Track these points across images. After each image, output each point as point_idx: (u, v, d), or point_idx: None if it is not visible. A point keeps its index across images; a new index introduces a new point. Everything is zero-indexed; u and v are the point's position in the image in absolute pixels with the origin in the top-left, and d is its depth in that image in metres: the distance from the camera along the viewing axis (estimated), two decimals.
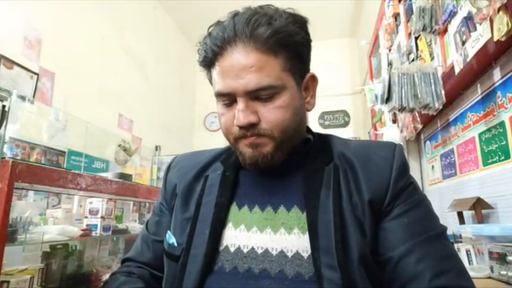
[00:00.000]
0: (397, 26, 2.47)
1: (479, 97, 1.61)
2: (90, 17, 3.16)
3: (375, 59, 3.48)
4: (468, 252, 1.33)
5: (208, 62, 0.63)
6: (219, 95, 0.61)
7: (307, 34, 0.63)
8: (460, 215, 1.68)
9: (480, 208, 1.51)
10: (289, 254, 0.58)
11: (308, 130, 0.71)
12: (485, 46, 1.26)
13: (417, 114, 2.03)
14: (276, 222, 0.61)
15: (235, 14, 0.60)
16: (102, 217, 1.68)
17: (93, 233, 1.65)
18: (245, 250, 0.60)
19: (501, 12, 1.09)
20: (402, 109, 1.74)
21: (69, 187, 1.29)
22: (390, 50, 2.60)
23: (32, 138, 2.33)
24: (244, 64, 0.57)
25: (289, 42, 0.59)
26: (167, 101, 4.56)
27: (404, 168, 0.62)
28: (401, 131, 2.31)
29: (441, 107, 1.67)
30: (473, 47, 1.33)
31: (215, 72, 0.62)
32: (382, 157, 0.63)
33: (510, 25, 1.05)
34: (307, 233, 0.58)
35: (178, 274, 0.61)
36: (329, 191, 0.59)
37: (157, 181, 3.00)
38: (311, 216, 0.58)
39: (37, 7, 2.59)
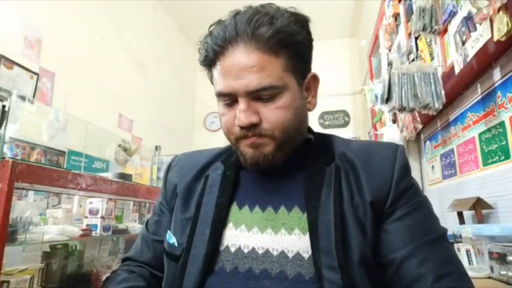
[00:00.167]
0: (397, 26, 2.47)
1: (479, 97, 1.61)
2: (90, 17, 3.16)
3: (375, 59, 3.48)
4: (468, 252, 1.33)
5: (209, 62, 0.62)
6: (220, 95, 0.61)
7: (308, 33, 0.63)
8: (460, 215, 1.68)
9: (480, 208, 1.51)
10: (290, 255, 0.58)
11: (309, 130, 0.71)
12: (485, 46, 1.26)
13: (417, 114, 2.03)
14: (276, 223, 0.61)
15: (237, 13, 0.60)
16: (102, 217, 1.68)
17: (93, 233, 1.65)
18: (245, 250, 0.60)
19: (501, 12, 1.09)
20: (402, 109, 1.74)
21: (69, 187, 1.29)
22: (390, 50, 2.60)
23: (32, 138, 2.33)
24: (245, 64, 0.57)
25: (290, 42, 0.59)
26: (167, 101, 4.57)
27: (406, 169, 0.62)
28: (401, 131, 2.31)
29: (441, 107, 1.67)
30: (473, 47, 1.33)
31: (216, 71, 0.61)
32: (384, 158, 0.63)
33: (510, 25, 1.05)
34: (307, 233, 0.57)
35: (178, 274, 0.61)
36: (330, 191, 0.59)
37: (157, 181, 3.00)
38: (311, 216, 0.58)
39: (37, 7, 2.59)
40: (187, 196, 0.69)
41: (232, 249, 0.61)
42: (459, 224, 1.66)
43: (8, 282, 1.21)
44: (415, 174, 2.47)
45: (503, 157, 1.42)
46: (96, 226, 1.66)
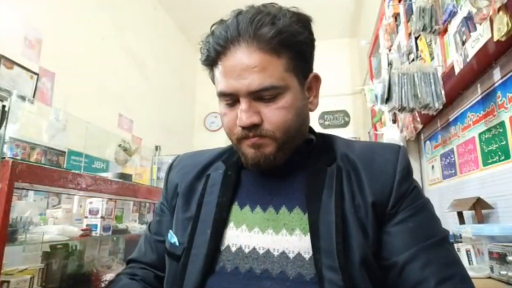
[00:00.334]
0: (397, 26, 2.48)
1: (479, 97, 1.61)
2: (90, 17, 3.16)
3: (375, 59, 3.48)
4: (468, 252, 1.33)
5: (211, 61, 0.62)
6: (222, 95, 0.61)
7: (310, 33, 0.63)
8: (460, 215, 1.68)
9: (480, 208, 1.51)
10: (291, 255, 0.58)
11: (311, 130, 0.71)
12: (485, 46, 1.26)
13: (417, 114, 2.03)
14: (277, 223, 0.61)
15: (239, 13, 0.60)
16: (102, 217, 1.68)
17: (93, 233, 1.65)
18: (246, 250, 0.60)
19: (501, 12, 1.09)
20: (402, 109, 1.74)
21: (69, 187, 1.29)
22: (390, 50, 2.60)
23: (32, 138, 2.33)
24: (247, 64, 0.57)
25: (292, 42, 0.59)
26: (167, 101, 4.56)
27: (407, 171, 0.62)
28: (401, 131, 2.31)
29: (441, 107, 1.67)
30: (473, 47, 1.33)
31: (217, 71, 0.61)
32: (386, 160, 0.62)
33: (510, 25, 1.05)
34: (308, 234, 0.57)
35: (179, 273, 0.61)
36: (331, 192, 0.59)
37: (157, 181, 3.00)
38: (312, 217, 0.58)
39: (37, 7, 2.59)
40: (188, 196, 0.69)
41: (233, 249, 0.61)
42: (459, 224, 1.66)
43: (8, 282, 1.21)
44: (415, 174, 2.45)
45: (503, 157, 1.42)
46: (96, 226, 1.66)
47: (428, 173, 2.37)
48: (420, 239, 0.57)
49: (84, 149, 2.52)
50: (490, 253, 1.17)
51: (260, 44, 0.57)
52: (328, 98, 4.58)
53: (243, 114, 0.58)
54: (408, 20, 2.16)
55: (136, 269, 0.72)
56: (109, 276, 1.65)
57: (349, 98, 4.91)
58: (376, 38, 3.24)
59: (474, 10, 1.24)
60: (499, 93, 1.44)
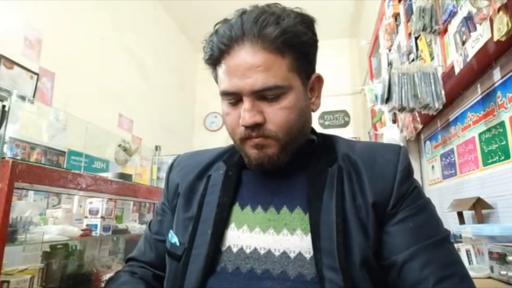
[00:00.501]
0: (397, 26, 2.48)
1: (479, 97, 1.61)
2: (90, 17, 3.16)
3: (375, 59, 3.48)
4: (468, 252, 1.33)
5: (214, 60, 0.62)
6: (225, 94, 0.61)
7: (314, 34, 0.63)
8: (460, 215, 1.68)
9: (480, 208, 1.51)
10: (292, 255, 0.58)
11: (312, 130, 0.71)
12: (485, 46, 1.26)
13: (417, 114, 2.03)
14: (279, 223, 0.61)
15: (243, 13, 0.60)
16: (102, 217, 1.68)
17: (93, 233, 1.65)
18: (247, 251, 0.60)
19: (501, 12, 1.09)
20: (402, 109, 1.74)
21: (69, 187, 1.29)
22: (390, 50, 2.60)
23: (32, 138, 2.33)
24: (251, 64, 0.57)
25: (296, 42, 0.59)
26: (167, 101, 4.56)
27: (408, 171, 0.62)
28: (401, 131, 2.31)
29: (441, 107, 1.67)
30: (473, 47, 1.33)
31: (221, 70, 0.61)
32: (387, 160, 0.63)
33: (510, 25, 1.05)
34: (309, 234, 0.57)
35: (179, 273, 0.61)
36: (332, 192, 0.59)
37: (157, 181, 3.01)
38: (313, 217, 0.58)
39: (37, 7, 2.59)
40: (189, 196, 0.69)
41: (234, 250, 0.61)
42: (459, 224, 1.66)
43: (8, 282, 1.21)
44: (415, 174, 2.46)
45: (503, 157, 1.42)
46: (96, 226, 1.66)
47: (428, 173, 2.37)
48: (420, 238, 0.57)
49: (84, 149, 2.52)
50: (490, 253, 1.17)
51: (265, 43, 0.57)
52: (328, 98, 4.57)
53: (246, 114, 0.58)
54: (408, 20, 2.16)
55: (135, 267, 0.72)
56: (109, 276, 1.65)
57: (349, 98, 4.91)
58: (376, 38, 3.24)
59: (474, 10, 1.24)
60: (499, 93, 1.44)
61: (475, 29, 1.32)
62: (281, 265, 0.58)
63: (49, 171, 1.23)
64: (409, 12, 2.09)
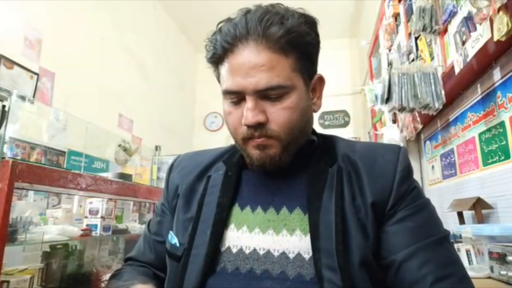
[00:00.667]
0: (397, 26, 2.48)
1: (479, 97, 1.61)
2: (90, 17, 3.16)
3: (375, 59, 3.48)
4: (468, 252, 1.33)
5: (217, 59, 0.62)
6: (227, 92, 0.61)
7: (317, 35, 0.63)
8: (460, 215, 1.68)
9: (480, 208, 1.51)
10: (291, 256, 0.58)
11: (313, 131, 0.71)
12: (485, 46, 1.26)
13: (417, 114, 2.03)
14: (278, 224, 0.61)
15: (247, 12, 0.60)
16: (102, 217, 1.68)
17: (93, 233, 1.65)
18: (247, 251, 0.60)
19: (501, 12, 1.09)
20: (402, 109, 1.74)
21: (69, 187, 1.29)
22: (390, 50, 2.60)
23: (32, 138, 2.33)
24: (255, 63, 0.57)
25: (300, 42, 0.59)
26: (167, 101, 4.56)
27: (408, 171, 0.62)
28: (401, 131, 2.31)
29: (441, 107, 1.67)
30: (473, 47, 1.33)
31: (223, 69, 0.61)
32: (386, 160, 0.63)
33: (510, 25, 1.05)
34: (309, 234, 0.57)
35: (179, 274, 0.61)
36: (332, 192, 0.59)
37: (157, 181, 3.01)
38: (313, 217, 0.58)
39: (37, 7, 2.59)
40: (189, 197, 0.69)
41: (234, 250, 0.61)
42: (459, 224, 1.66)
43: (8, 282, 1.21)
44: (415, 174, 2.46)
45: (503, 157, 1.42)
46: (96, 226, 1.66)
47: (428, 173, 2.37)
48: (419, 238, 0.57)
49: (84, 149, 2.52)
50: (490, 253, 1.17)
51: (269, 43, 0.57)
52: (328, 98, 4.56)
53: (249, 113, 0.58)
54: (408, 20, 2.16)
55: (135, 266, 0.73)
56: (109, 276, 1.65)
57: (349, 98, 4.91)
58: (376, 38, 3.24)
59: (474, 10, 1.24)
60: (499, 93, 1.44)
61: (475, 29, 1.32)
62: (281, 265, 0.58)
63: (49, 171, 1.23)
64: (409, 12, 2.09)
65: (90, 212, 1.69)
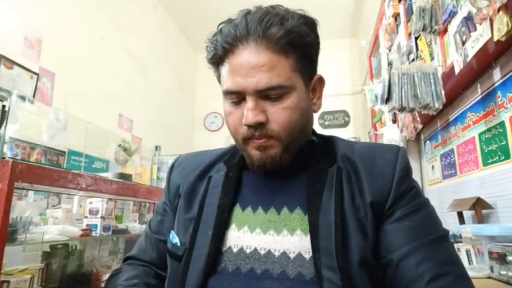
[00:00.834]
0: (397, 26, 2.48)
1: (479, 97, 1.61)
2: (90, 17, 3.16)
3: (375, 59, 3.48)
4: (468, 252, 1.33)
5: (218, 59, 0.62)
6: (228, 92, 0.61)
7: (317, 36, 0.64)
8: (460, 215, 1.68)
9: (480, 208, 1.51)
10: (292, 256, 0.58)
11: (313, 131, 0.71)
12: (485, 46, 1.26)
13: (417, 114, 2.03)
14: (279, 224, 0.61)
15: (247, 13, 0.60)
16: (102, 217, 1.68)
17: (93, 233, 1.65)
18: (248, 251, 0.60)
19: (501, 12, 1.09)
20: (402, 109, 1.74)
21: (69, 187, 1.29)
22: (390, 50, 2.60)
23: (32, 138, 2.33)
24: (255, 63, 0.57)
25: (300, 43, 0.59)
26: (167, 101, 4.56)
27: (406, 171, 0.63)
28: (401, 131, 2.31)
29: (441, 107, 1.67)
30: (473, 47, 1.33)
31: (224, 69, 0.61)
32: (386, 160, 0.63)
33: (510, 25, 1.06)
34: (309, 234, 0.58)
35: (180, 274, 0.62)
36: (332, 192, 0.60)
37: (157, 181, 3.01)
38: (312, 217, 0.58)
39: (37, 7, 2.59)
40: (190, 197, 0.69)
41: (235, 250, 0.61)
42: (459, 224, 1.66)
43: (8, 282, 1.21)
44: (415, 174, 2.46)
45: (503, 157, 1.43)
46: (96, 226, 1.66)
47: (428, 173, 2.37)
48: (417, 236, 0.57)
49: (84, 149, 2.52)
50: (490, 253, 1.17)
51: (269, 43, 0.57)
52: (328, 98, 4.57)
53: (249, 113, 0.58)
54: (408, 20, 2.16)
55: (135, 265, 0.72)
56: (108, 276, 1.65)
57: (349, 98, 4.91)
58: (376, 38, 3.24)
59: (474, 10, 1.24)
60: (499, 93, 1.44)
61: (475, 29, 1.32)
62: (281, 265, 0.58)
63: (49, 171, 1.23)
64: (409, 12, 2.09)
65: (90, 212, 1.69)
